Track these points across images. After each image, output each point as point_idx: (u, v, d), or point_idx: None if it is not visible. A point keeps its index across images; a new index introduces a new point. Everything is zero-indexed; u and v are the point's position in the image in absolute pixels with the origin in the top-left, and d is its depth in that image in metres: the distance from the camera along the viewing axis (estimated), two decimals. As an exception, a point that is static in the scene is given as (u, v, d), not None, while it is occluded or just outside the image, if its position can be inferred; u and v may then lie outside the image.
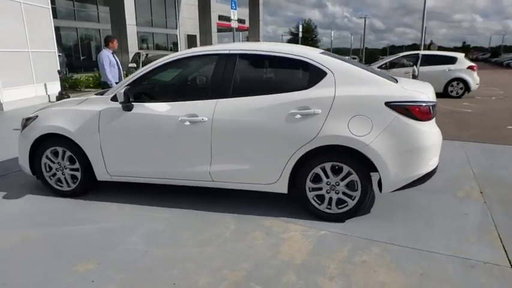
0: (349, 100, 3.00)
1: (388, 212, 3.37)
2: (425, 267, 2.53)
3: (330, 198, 3.17)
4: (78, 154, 3.57)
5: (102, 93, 3.85)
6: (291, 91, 3.12)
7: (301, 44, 47.61)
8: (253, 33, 29.12)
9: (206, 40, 24.51)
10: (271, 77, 3.41)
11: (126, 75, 11.59)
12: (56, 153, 3.66)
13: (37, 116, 3.68)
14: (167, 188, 3.67)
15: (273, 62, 3.32)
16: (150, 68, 3.44)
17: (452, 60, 11.71)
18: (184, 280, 2.40)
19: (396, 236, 2.95)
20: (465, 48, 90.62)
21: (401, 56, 12.75)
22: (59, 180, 3.73)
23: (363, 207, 3.16)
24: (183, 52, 3.48)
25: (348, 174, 3.07)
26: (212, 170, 3.29)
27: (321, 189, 3.17)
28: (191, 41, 31.29)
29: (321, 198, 3.19)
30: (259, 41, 30.07)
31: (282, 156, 3.12)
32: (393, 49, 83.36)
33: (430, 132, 3.02)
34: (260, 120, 3.11)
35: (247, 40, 50.74)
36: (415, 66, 10.66)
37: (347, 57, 5.23)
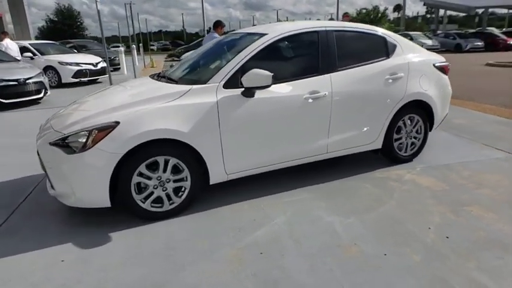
0: (417, 64, 3.87)
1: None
2: (500, 168, 3.83)
3: (407, 144, 4.02)
4: (187, 159, 2.91)
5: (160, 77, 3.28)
6: (378, 61, 3.69)
7: (65, 32, 41.84)
8: (18, 19, 23.67)
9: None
10: (361, 50, 3.76)
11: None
12: (151, 166, 2.83)
13: (118, 123, 2.68)
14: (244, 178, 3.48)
15: (361, 37, 3.73)
16: (259, 49, 3.17)
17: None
18: (415, 227, 2.76)
19: (457, 158, 4.13)
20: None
21: None
22: (157, 200, 2.91)
23: (424, 146, 4.17)
24: (286, 30, 3.35)
25: (417, 121, 4.00)
26: (329, 142, 3.49)
27: (401, 138, 3.96)
28: None
29: (400, 145, 3.99)
30: (28, 27, 24.80)
31: (383, 117, 3.70)
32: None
33: (449, 84, 4.31)
34: (366, 87, 3.56)
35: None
36: None
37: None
